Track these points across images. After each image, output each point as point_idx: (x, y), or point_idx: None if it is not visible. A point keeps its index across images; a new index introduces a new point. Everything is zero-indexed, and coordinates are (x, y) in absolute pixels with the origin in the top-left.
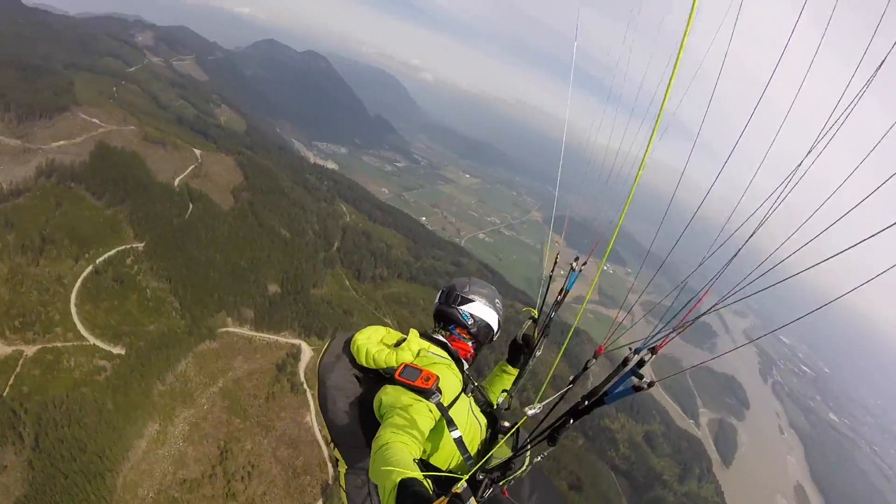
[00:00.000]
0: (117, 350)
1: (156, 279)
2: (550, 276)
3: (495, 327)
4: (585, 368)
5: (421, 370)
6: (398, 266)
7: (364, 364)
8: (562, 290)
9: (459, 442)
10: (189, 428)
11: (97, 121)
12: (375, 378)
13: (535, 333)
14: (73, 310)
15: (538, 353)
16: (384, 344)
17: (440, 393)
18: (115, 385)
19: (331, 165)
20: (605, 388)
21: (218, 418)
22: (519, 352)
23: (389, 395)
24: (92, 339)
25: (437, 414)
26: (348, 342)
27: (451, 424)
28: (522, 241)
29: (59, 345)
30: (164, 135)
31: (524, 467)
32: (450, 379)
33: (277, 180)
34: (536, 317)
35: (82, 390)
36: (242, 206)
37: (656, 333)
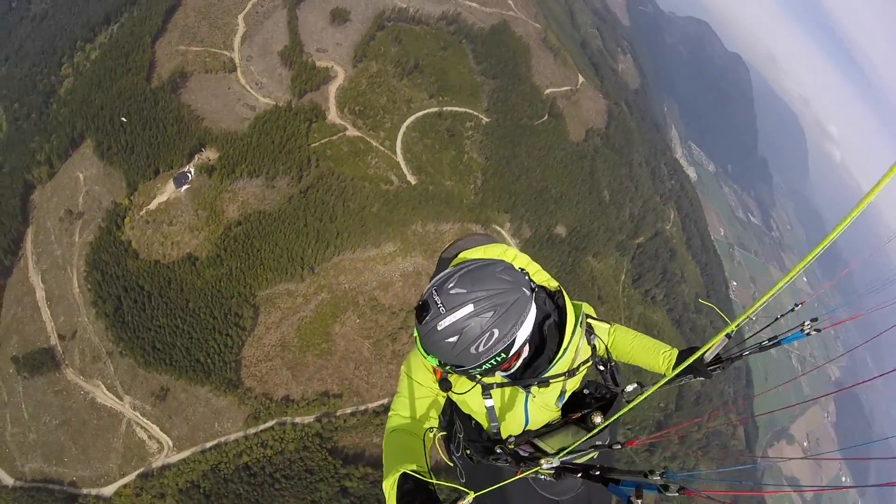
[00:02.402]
0: (410, 178)
1: (477, 152)
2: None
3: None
4: (610, 446)
5: None
6: (676, 300)
7: None
8: (776, 339)
9: (490, 411)
10: (412, 270)
11: (512, 3)
12: None
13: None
14: (402, 129)
15: (693, 378)
16: None
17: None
18: (389, 199)
19: (690, 172)
20: (617, 478)
21: None
22: (689, 367)
23: (416, 363)
24: (399, 158)
25: (461, 382)
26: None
27: (485, 393)
28: (801, 385)
29: (374, 143)
30: (561, 47)
31: (513, 478)
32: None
33: (632, 149)
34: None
35: (364, 184)
36: (586, 148)
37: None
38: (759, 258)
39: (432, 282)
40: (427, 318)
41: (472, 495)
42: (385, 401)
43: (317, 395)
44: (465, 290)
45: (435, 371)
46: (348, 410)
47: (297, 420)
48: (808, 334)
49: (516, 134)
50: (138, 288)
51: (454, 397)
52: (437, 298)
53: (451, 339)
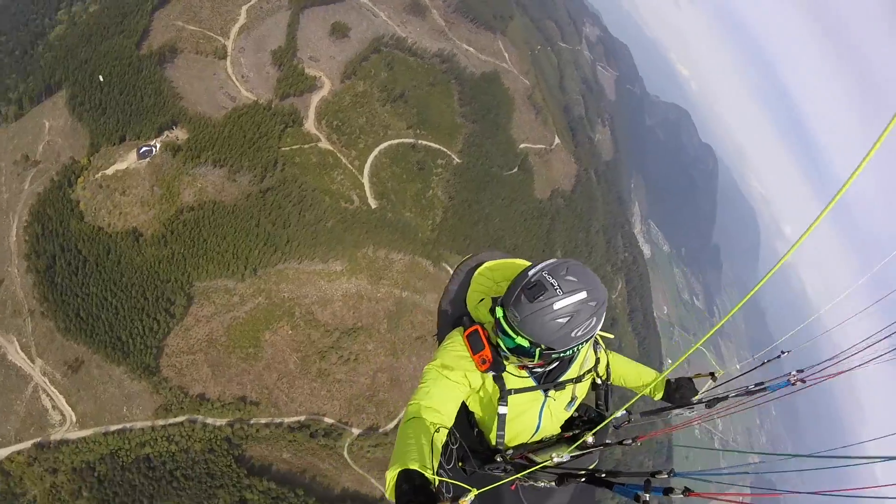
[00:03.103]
0: (372, 201)
1: (443, 190)
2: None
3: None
4: (620, 443)
5: (485, 346)
6: None
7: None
8: (762, 384)
9: (501, 418)
10: (354, 293)
11: (507, 56)
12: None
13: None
14: (375, 152)
15: (679, 413)
16: (497, 287)
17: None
18: (346, 218)
19: (645, 249)
20: (621, 482)
21: (376, 311)
22: (673, 392)
23: (451, 345)
24: (365, 180)
25: (484, 384)
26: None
27: (502, 400)
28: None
29: (343, 160)
30: (545, 107)
31: (507, 479)
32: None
33: (592, 216)
34: (717, 377)
35: (325, 198)
36: (549, 207)
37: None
38: (696, 339)
39: (539, 266)
40: (542, 297)
41: (474, 492)
42: (302, 418)
43: (233, 399)
44: (577, 279)
45: (484, 361)
46: (263, 420)
47: (209, 421)
48: (793, 384)
49: (484, 180)
50: (75, 250)
51: (479, 395)
52: (552, 281)
53: (561, 320)
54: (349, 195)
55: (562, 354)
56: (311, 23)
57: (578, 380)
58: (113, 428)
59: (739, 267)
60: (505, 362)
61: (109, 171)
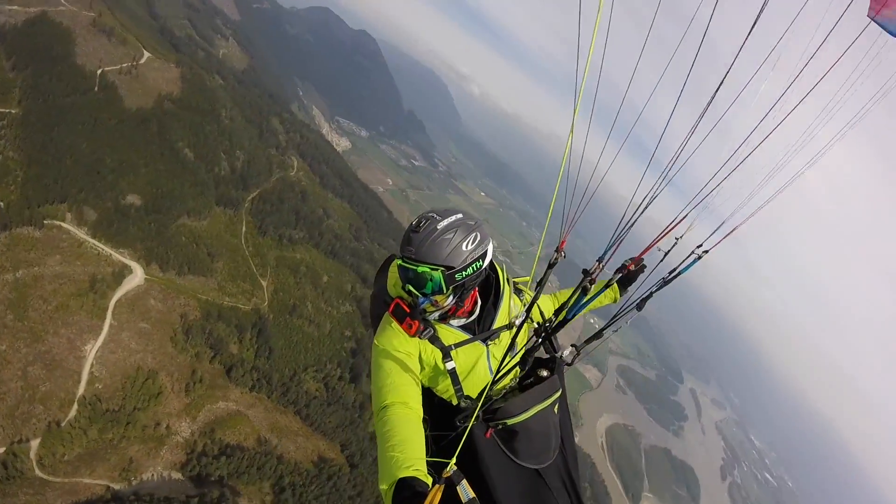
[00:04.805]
0: None
1: (14, 149)
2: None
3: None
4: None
5: (407, 312)
6: (323, 237)
7: None
8: (675, 270)
9: (453, 373)
10: None
11: None
12: None
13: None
14: None
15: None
16: None
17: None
18: None
19: (344, 142)
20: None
21: None
22: (627, 281)
23: (388, 333)
24: None
25: (426, 353)
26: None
27: (446, 357)
28: (515, 270)
29: None
30: (118, 26)
31: (472, 414)
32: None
33: (217, 107)
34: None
35: None
36: (150, 112)
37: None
38: (432, 191)
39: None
40: (425, 224)
41: (452, 462)
42: None
43: None
44: (448, 209)
45: (411, 325)
46: None
47: None
48: (700, 257)
49: (52, 116)
50: None
51: (428, 366)
52: (429, 213)
53: (448, 235)
54: None
55: (465, 275)
56: None
57: (510, 326)
58: None
59: (442, 118)
60: (434, 323)
61: None
